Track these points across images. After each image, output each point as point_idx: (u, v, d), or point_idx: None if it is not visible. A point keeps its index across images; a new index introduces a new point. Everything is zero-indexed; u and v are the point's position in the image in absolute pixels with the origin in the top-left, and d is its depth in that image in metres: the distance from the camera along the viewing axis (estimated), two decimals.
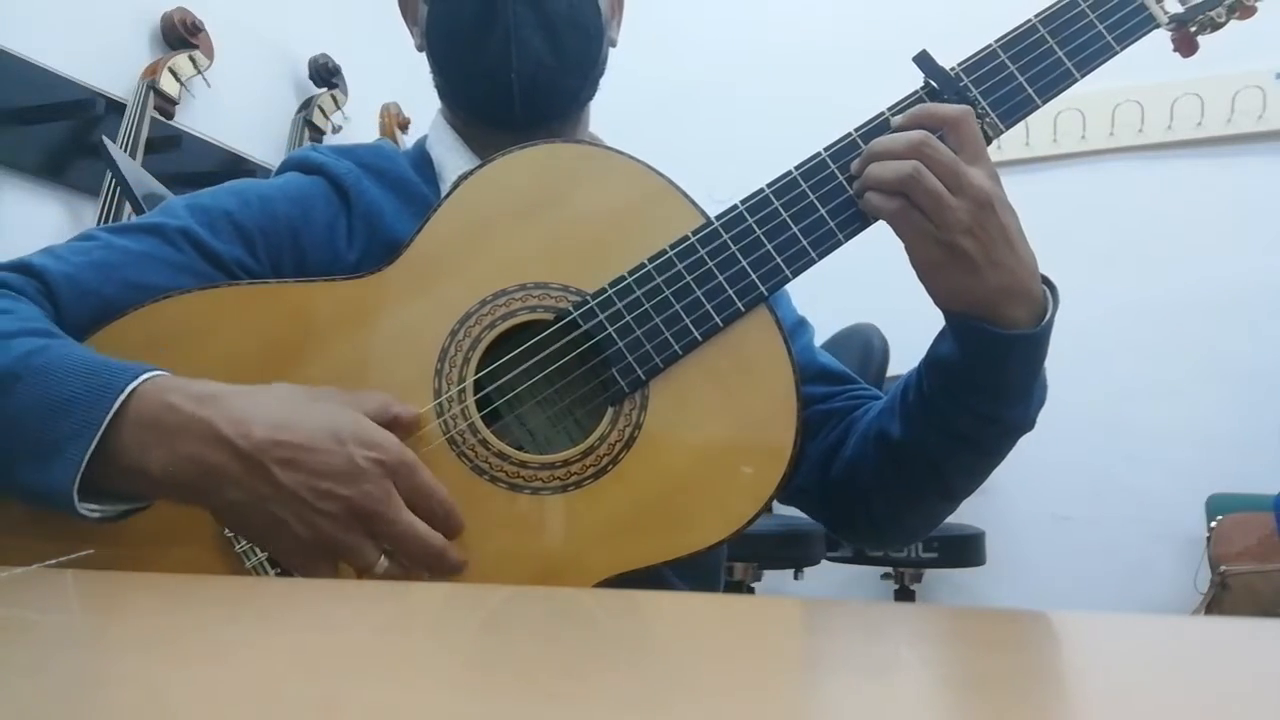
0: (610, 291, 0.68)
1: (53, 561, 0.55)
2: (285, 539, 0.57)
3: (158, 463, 0.56)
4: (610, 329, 0.67)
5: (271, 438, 0.56)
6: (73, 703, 0.23)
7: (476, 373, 0.67)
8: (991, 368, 0.68)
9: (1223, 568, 1.94)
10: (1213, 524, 2.02)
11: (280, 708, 0.22)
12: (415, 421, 0.64)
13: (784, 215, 0.69)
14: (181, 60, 2.01)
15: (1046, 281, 0.70)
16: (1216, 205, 2.29)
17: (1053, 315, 0.68)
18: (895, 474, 0.76)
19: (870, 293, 1.95)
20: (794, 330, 0.88)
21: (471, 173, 0.71)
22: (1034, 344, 0.68)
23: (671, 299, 0.67)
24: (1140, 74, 2.27)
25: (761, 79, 2.61)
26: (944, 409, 0.71)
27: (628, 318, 0.67)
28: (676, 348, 0.67)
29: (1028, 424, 0.72)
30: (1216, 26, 0.75)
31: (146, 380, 0.57)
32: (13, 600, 0.43)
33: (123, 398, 0.56)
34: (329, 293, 0.69)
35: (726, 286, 0.68)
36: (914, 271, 0.68)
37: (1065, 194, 2.39)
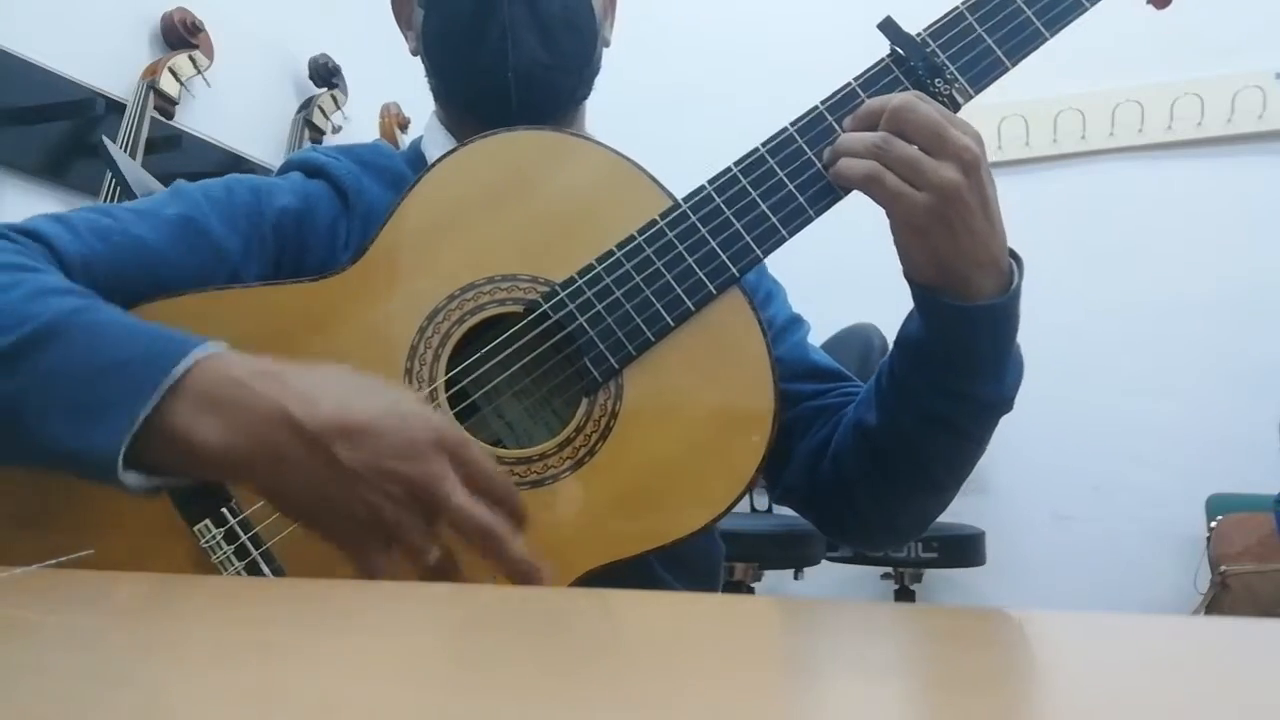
0: (579, 280, 0.67)
1: (53, 561, 0.55)
2: (341, 520, 0.55)
3: (214, 436, 0.53)
4: (581, 319, 0.66)
5: (338, 416, 0.54)
6: (73, 703, 0.23)
7: (448, 370, 0.66)
8: (959, 342, 0.68)
9: (1223, 568, 1.94)
10: (1213, 524, 2.02)
11: (280, 708, 0.22)
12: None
13: (753, 194, 0.68)
14: (181, 60, 2.01)
15: (1013, 254, 0.69)
16: (1216, 205, 2.29)
17: (1018, 286, 0.67)
18: (875, 464, 0.75)
19: (870, 293, 1.94)
20: (788, 326, 0.88)
21: (435, 164, 0.70)
22: (1000, 315, 0.67)
23: (642, 285, 0.67)
24: (1140, 74, 2.27)
25: (760, 79, 2.61)
26: (916, 389, 0.70)
27: (598, 306, 0.66)
28: (649, 334, 0.66)
29: (1004, 403, 0.71)
30: None
31: (209, 353, 0.55)
32: (13, 600, 0.43)
33: (187, 363, 0.54)
34: (297, 294, 0.69)
35: (697, 269, 0.67)
36: (892, 235, 0.67)
37: (1065, 194, 2.39)
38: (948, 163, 0.63)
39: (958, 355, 0.68)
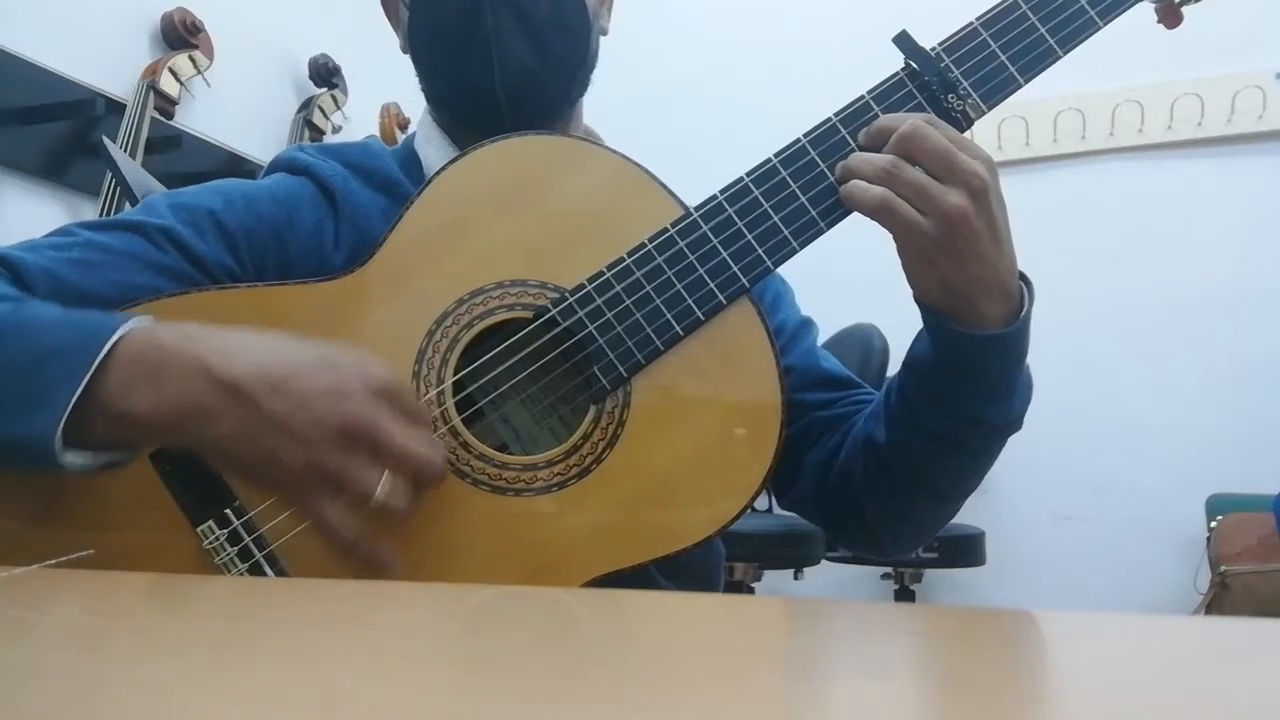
0: (589, 287, 0.66)
1: (53, 561, 0.55)
2: (280, 472, 0.56)
3: (143, 403, 0.55)
4: (591, 326, 0.66)
5: (257, 366, 0.56)
6: (73, 703, 0.23)
7: (455, 374, 0.66)
8: (967, 368, 0.67)
9: (1223, 568, 1.94)
10: (1213, 524, 2.02)
11: (280, 708, 0.22)
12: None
13: (764, 205, 0.67)
14: (181, 60, 2.01)
15: (1023, 278, 0.69)
16: (1216, 205, 2.29)
17: (1028, 312, 0.67)
18: (883, 479, 0.75)
19: (870, 293, 1.94)
20: (798, 332, 0.87)
21: (445, 167, 0.69)
22: (1009, 343, 0.67)
23: (652, 294, 0.66)
24: (1140, 74, 2.27)
25: (762, 77, 2.61)
26: (924, 411, 0.70)
27: (608, 314, 0.66)
28: (658, 343, 0.66)
29: (1014, 424, 0.71)
30: None
31: (135, 325, 0.57)
32: (13, 600, 0.43)
33: (112, 340, 0.56)
34: (303, 295, 0.68)
35: (707, 279, 0.66)
36: (899, 259, 0.67)
37: (1065, 194, 2.39)
38: (956, 189, 0.63)
39: (966, 379, 0.68)
